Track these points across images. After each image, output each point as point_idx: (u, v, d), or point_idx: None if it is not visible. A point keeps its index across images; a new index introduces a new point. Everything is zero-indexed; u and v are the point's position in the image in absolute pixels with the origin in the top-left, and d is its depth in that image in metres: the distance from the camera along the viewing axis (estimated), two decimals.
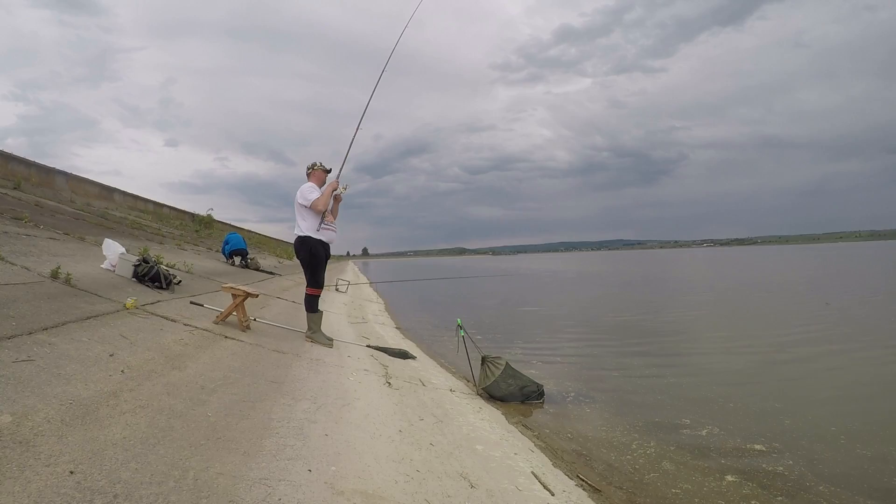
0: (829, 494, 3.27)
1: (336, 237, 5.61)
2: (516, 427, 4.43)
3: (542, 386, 5.42)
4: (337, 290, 15.06)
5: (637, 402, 5.33)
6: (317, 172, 5.58)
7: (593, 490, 3.31)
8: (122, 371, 3.04)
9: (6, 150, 13.58)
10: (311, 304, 5.57)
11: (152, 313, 4.82)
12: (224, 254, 13.95)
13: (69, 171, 16.00)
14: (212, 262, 12.45)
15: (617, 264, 55.53)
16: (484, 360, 5.42)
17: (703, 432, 4.37)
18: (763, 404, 5.05)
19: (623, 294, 19.46)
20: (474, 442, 3.62)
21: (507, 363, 5.33)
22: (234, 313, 5.33)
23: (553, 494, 2.98)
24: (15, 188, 11.60)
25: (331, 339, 5.76)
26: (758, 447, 4.01)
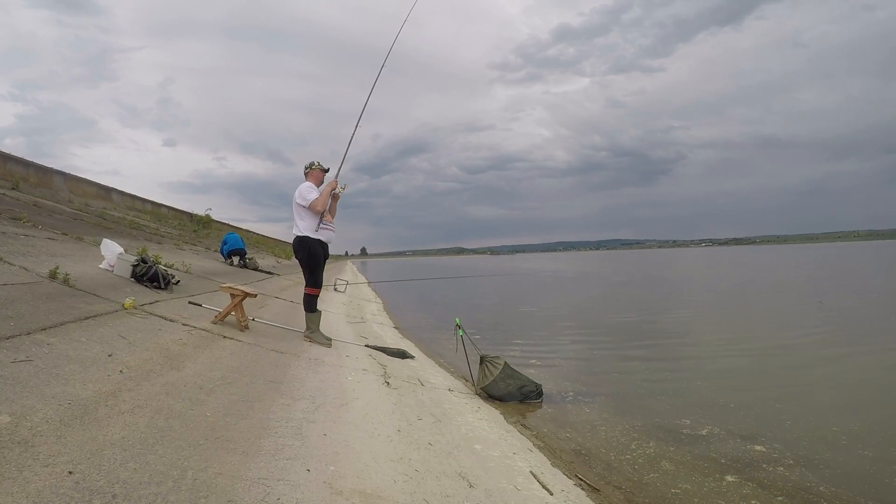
0: (830, 495, 3.26)
1: (335, 237, 5.61)
2: (515, 427, 4.44)
3: (541, 385, 5.42)
4: (335, 289, 15.06)
5: (636, 402, 5.32)
6: (315, 172, 5.58)
7: (592, 489, 3.31)
8: (120, 371, 3.04)
9: (4, 150, 13.56)
10: (310, 303, 5.57)
11: (151, 313, 4.81)
12: (222, 253, 13.94)
13: (67, 171, 15.98)
14: (210, 262, 12.43)
15: (615, 264, 55.56)
16: (482, 359, 5.43)
17: (703, 432, 4.36)
18: (763, 405, 5.03)
19: (622, 294, 19.47)
20: (473, 441, 3.62)
21: (505, 363, 5.34)
22: (233, 313, 5.33)
23: (552, 494, 2.99)
24: (13, 188, 11.58)
25: (329, 339, 5.76)
26: (758, 448, 4.00)
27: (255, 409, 3.08)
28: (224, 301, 5.63)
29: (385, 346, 6.86)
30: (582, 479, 3.43)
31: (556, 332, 10.19)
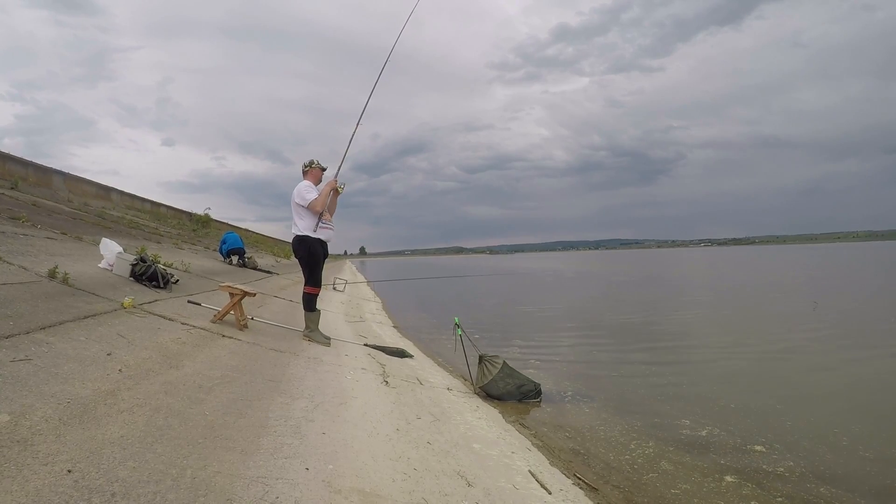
0: (831, 496, 3.25)
1: (334, 235, 5.61)
2: (513, 426, 4.44)
3: (540, 385, 5.43)
4: (334, 288, 15.06)
5: (636, 401, 5.32)
6: (314, 171, 5.57)
7: (590, 489, 3.32)
8: (119, 370, 3.04)
9: (3, 150, 13.56)
10: (310, 302, 5.58)
11: (150, 312, 4.82)
12: (221, 253, 13.94)
13: (66, 171, 15.98)
14: (209, 262, 12.44)
15: (615, 264, 55.58)
16: (481, 358, 5.43)
17: (703, 433, 4.36)
18: (764, 405, 5.02)
19: (621, 294, 19.48)
20: (471, 440, 3.63)
21: (504, 362, 5.35)
22: (232, 312, 5.33)
23: (550, 493, 3.00)
24: (12, 188, 11.58)
25: (328, 338, 5.76)
26: (758, 448, 3.99)
27: (254, 408, 3.09)
28: (223, 300, 5.63)
29: (384, 345, 6.86)
30: (580, 479, 3.44)
31: (556, 331, 10.20)
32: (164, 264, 7.22)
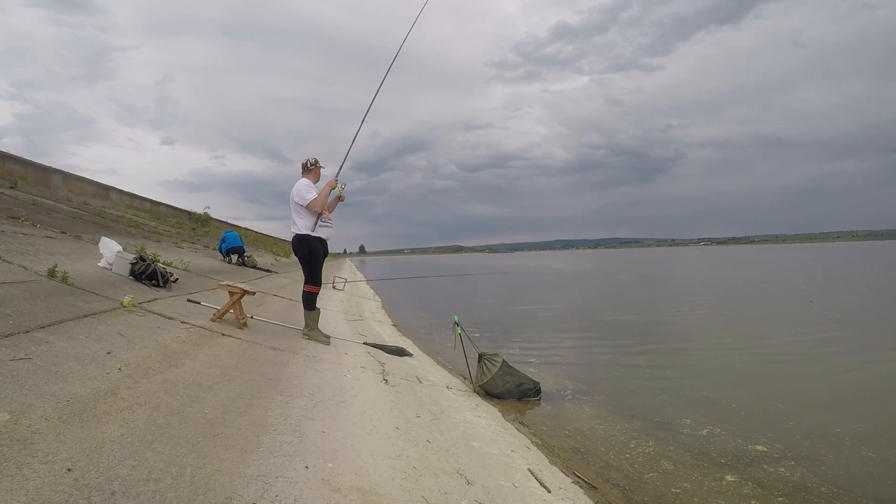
0: (832, 496, 3.23)
1: (333, 233, 5.61)
2: (513, 424, 4.45)
3: (539, 384, 5.43)
4: (334, 287, 15.07)
5: (636, 401, 5.31)
6: (314, 170, 5.57)
7: (590, 487, 3.32)
8: (119, 369, 3.04)
9: (2, 149, 13.56)
10: (310, 301, 5.58)
11: (149, 311, 4.82)
12: (221, 252, 13.94)
13: (66, 170, 15.98)
14: (209, 260, 12.43)
15: (614, 263, 55.58)
16: (481, 357, 5.43)
17: (704, 432, 4.34)
18: (765, 405, 5.00)
19: (621, 293, 19.48)
20: (471, 439, 3.63)
21: (503, 361, 5.35)
22: (231, 311, 5.33)
23: (549, 491, 3.00)
24: (11, 187, 11.57)
25: (328, 337, 5.76)
26: (759, 448, 3.97)
27: (254, 407, 3.09)
28: (222, 299, 5.63)
29: (383, 343, 6.86)
30: (580, 477, 3.44)
31: (555, 330, 10.20)
32: (163, 263, 7.22)
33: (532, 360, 7.17)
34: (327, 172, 5.65)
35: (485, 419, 4.33)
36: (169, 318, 4.80)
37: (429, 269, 48.62)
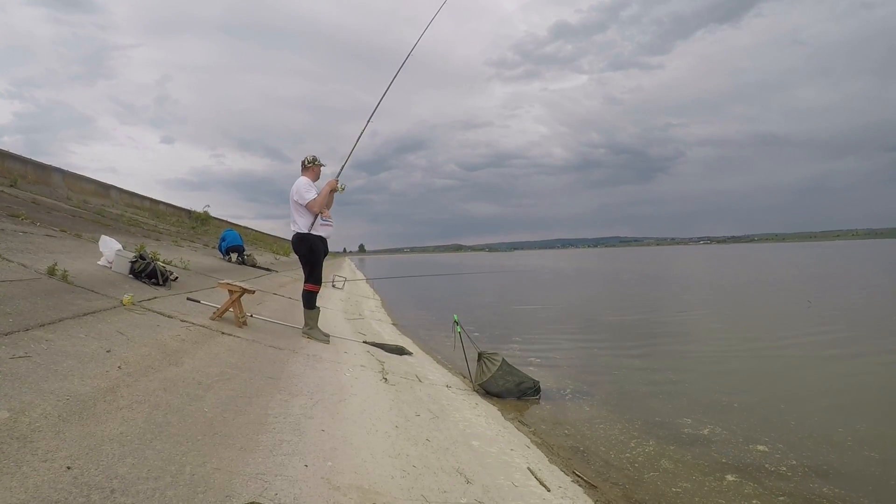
0: (834, 496, 3.21)
1: (333, 232, 5.61)
2: (512, 423, 4.45)
3: (539, 382, 5.43)
4: (333, 286, 15.07)
5: (637, 400, 5.30)
6: (314, 168, 5.56)
7: (589, 486, 3.32)
8: (118, 367, 3.04)
9: (3, 147, 13.56)
10: (310, 300, 5.58)
11: (149, 310, 4.82)
12: (220, 250, 13.94)
13: (65, 169, 15.98)
14: (208, 259, 12.44)
15: (614, 262, 55.57)
16: (480, 356, 5.43)
17: (705, 432, 4.33)
18: (767, 404, 4.98)
19: (621, 292, 19.46)
20: (470, 438, 3.63)
21: (503, 359, 5.35)
22: (231, 309, 5.33)
23: (549, 490, 3.00)
24: (11, 185, 11.57)
25: (327, 336, 5.76)
26: (760, 447, 3.95)
27: (253, 405, 3.09)
28: (222, 298, 5.63)
29: (383, 342, 6.87)
30: (579, 476, 3.44)
31: (555, 329, 10.20)
32: (163, 262, 7.22)
33: (532, 359, 7.17)
34: (329, 171, 5.65)
35: (484, 418, 4.33)
36: (169, 316, 4.80)
37: (428, 268, 48.61)
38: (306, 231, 5.34)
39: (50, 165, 15.16)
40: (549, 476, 3.26)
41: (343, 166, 5.66)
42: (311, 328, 5.66)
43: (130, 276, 6.05)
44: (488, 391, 5.26)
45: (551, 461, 3.64)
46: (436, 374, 5.84)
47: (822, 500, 3.18)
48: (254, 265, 14.10)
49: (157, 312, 4.81)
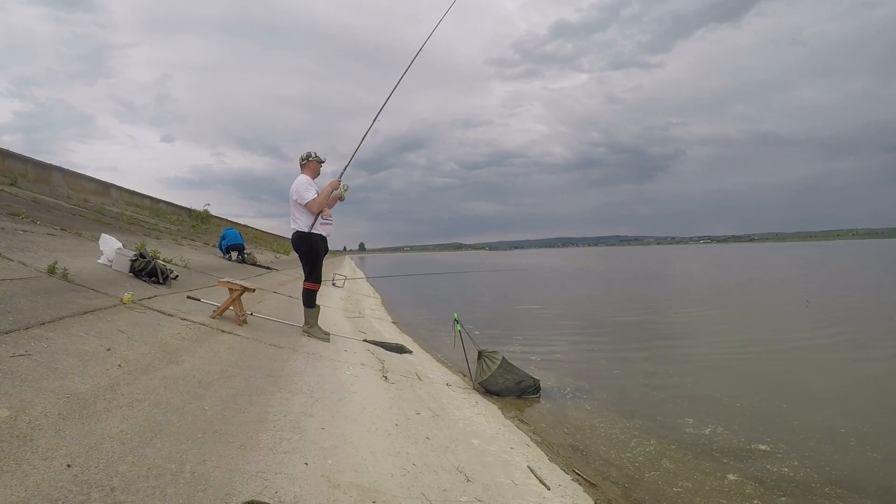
0: (836, 496, 3.19)
1: (334, 230, 5.61)
2: (512, 422, 4.45)
3: (539, 381, 5.43)
4: (334, 284, 15.08)
5: (637, 399, 5.29)
6: (312, 164, 5.53)
7: (589, 485, 3.32)
8: (119, 365, 3.04)
9: (3, 146, 13.56)
10: (309, 298, 5.58)
11: (149, 308, 4.82)
12: (221, 249, 13.94)
13: (66, 168, 15.99)
14: (208, 258, 12.44)
15: (614, 261, 55.55)
16: (480, 354, 5.44)
17: (706, 431, 4.31)
18: (769, 404, 4.96)
19: (622, 291, 19.42)
20: (470, 436, 3.64)
21: (503, 358, 5.35)
22: (231, 308, 5.33)
23: (549, 489, 3.00)
24: (12, 184, 11.57)
25: (327, 334, 5.76)
26: (762, 447, 3.94)
27: (254, 403, 3.09)
28: (222, 296, 5.63)
29: (383, 340, 6.87)
30: (579, 475, 3.44)
31: (556, 328, 10.20)
32: (163, 260, 7.22)
33: (532, 357, 7.17)
34: (330, 169, 5.64)
35: (484, 416, 4.33)
36: (169, 314, 4.80)
37: (429, 267, 48.60)
38: (306, 229, 5.34)
39: (50, 164, 15.17)
40: (549, 474, 3.26)
41: (346, 166, 5.65)
42: (312, 326, 5.66)
43: (131, 274, 6.05)
44: (488, 390, 5.26)
45: (551, 460, 3.64)
46: (436, 372, 5.84)
47: (823, 501, 3.17)
48: (254, 264, 14.10)
49: (158, 311, 4.81)
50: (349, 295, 14.12)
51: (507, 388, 5.23)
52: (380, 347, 6.34)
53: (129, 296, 4.78)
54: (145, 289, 5.67)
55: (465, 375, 5.95)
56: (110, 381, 2.77)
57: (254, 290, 5.87)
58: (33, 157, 14.44)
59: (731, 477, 3.48)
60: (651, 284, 22.07)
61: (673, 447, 4.01)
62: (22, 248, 5.66)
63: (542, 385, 5.44)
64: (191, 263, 9.04)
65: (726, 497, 3.23)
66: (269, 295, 8.72)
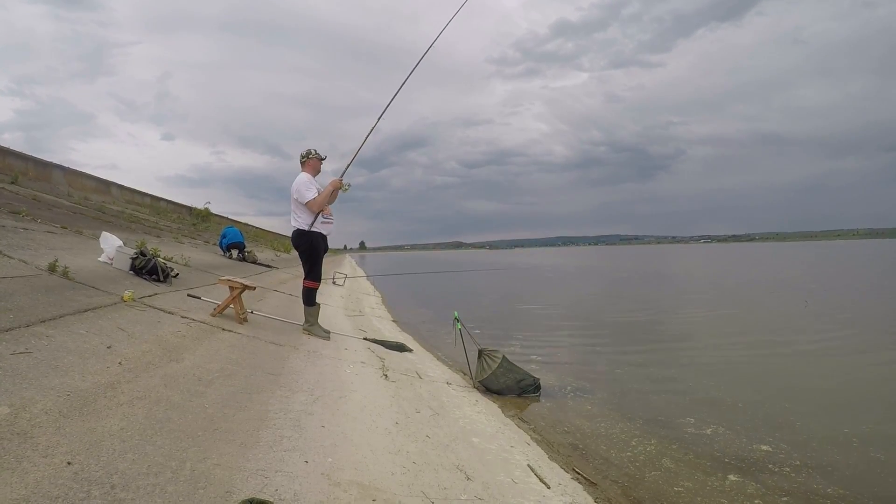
0: (838, 497, 3.18)
1: (334, 229, 5.60)
2: (512, 420, 4.45)
3: (539, 380, 5.43)
4: (334, 283, 15.08)
5: (638, 399, 5.28)
6: (312, 161, 5.53)
7: (589, 484, 3.32)
8: (119, 363, 3.05)
9: (3, 144, 13.55)
10: (309, 297, 5.57)
11: (150, 306, 4.82)
12: (221, 247, 13.94)
13: (66, 166, 15.98)
14: (209, 256, 12.44)
15: (615, 260, 55.51)
16: (481, 353, 5.44)
17: (708, 431, 4.30)
18: (772, 405, 4.94)
19: (623, 290, 19.40)
20: (470, 435, 3.64)
21: (503, 357, 5.35)
22: (232, 306, 5.33)
23: (549, 487, 3.00)
24: (12, 182, 11.57)
25: (328, 332, 5.76)
26: (764, 447, 3.92)
27: (254, 401, 3.09)
28: (223, 294, 5.63)
29: (383, 339, 6.87)
30: (579, 473, 3.44)
31: (556, 328, 10.20)
32: (163, 258, 7.22)
33: (533, 356, 7.17)
34: (331, 168, 5.64)
35: (484, 415, 4.33)
36: (169, 312, 4.80)
37: (429, 266, 48.56)
38: (307, 227, 5.33)
39: (51, 162, 15.16)
40: (549, 473, 3.26)
41: (348, 165, 5.64)
42: (312, 325, 5.66)
43: (131, 272, 6.05)
44: (488, 388, 5.26)
45: (551, 458, 3.64)
46: (436, 370, 5.84)
47: (825, 501, 3.15)
48: (254, 262, 14.10)
49: (158, 309, 4.81)
50: (349, 293, 14.12)
51: (508, 387, 5.23)
52: (380, 346, 6.34)
53: (130, 294, 4.78)
54: (146, 287, 5.67)
55: (465, 374, 5.95)
56: (111, 378, 2.77)
57: (254, 289, 5.87)
58: (34, 155, 14.44)
59: (732, 477, 3.47)
60: (651, 284, 22.06)
61: (674, 447, 4.00)
62: (23, 246, 5.66)
63: (542, 384, 5.44)
64: (191, 261, 9.04)
65: (727, 497, 3.22)
66: (269, 293, 8.72)
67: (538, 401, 5.19)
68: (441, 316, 11.02)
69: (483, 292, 19.83)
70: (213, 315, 5.21)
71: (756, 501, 3.16)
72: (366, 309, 11.36)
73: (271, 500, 1.95)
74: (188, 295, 5.77)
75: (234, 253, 13.75)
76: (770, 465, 3.64)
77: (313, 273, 5.48)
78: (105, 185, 18.04)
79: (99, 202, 15.02)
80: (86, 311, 3.95)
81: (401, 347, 6.57)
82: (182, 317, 4.77)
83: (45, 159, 14.89)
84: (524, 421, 4.54)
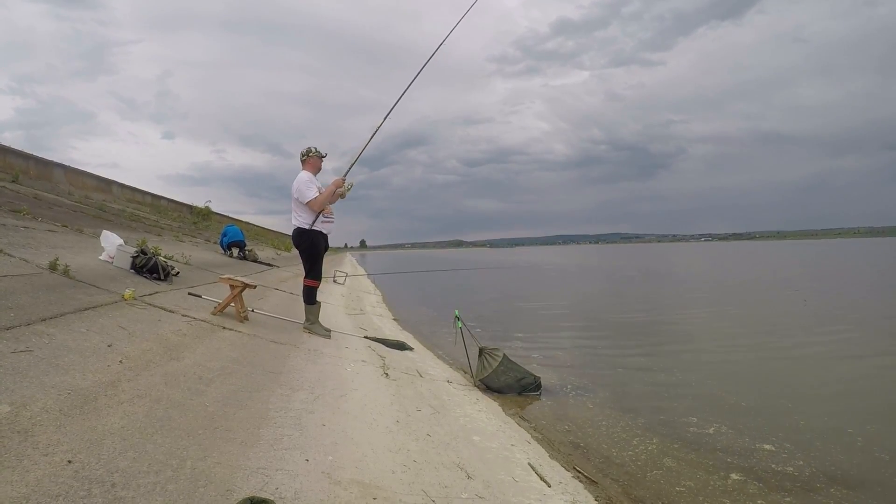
0: (841, 497, 3.17)
1: (335, 227, 5.60)
2: (513, 419, 4.45)
3: (540, 378, 5.43)
4: (335, 281, 15.08)
5: (640, 398, 5.27)
6: (312, 159, 5.52)
7: (590, 482, 3.32)
8: (120, 361, 3.04)
9: (4, 143, 13.55)
10: (310, 295, 5.57)
11: (150, 304, 4.82)
12: (222, 245, 13.94)
13: (67, 164, 15.97)
14: (210, 254, 12.44)
15: (615, 258, 55.47)
16: (481, 351, 5.43)
17: (710, 430, 4.29)
18: (775, 404, 4.93)
19: (624, 289, 19.40)
20: (471, 433, 3.64)
21: (504, 355, 5.34)
22: (232, 304, 5.33)
23: (549, 486, 3.00)
24: (13, 181, 11.57)
25: (328, 331, 5.76)
26: (767, 447, 3.91)
27: (254, 400, 3.09)
28: (223, 292, 5.63)
29: (384, 337, 6.87)
30: (580, 472, 3.44)
31: (557, 326, 10.19)
32: (164, 257, 7.22)
33: (534, 355, 7.17)
34: (332, 166, 5.63)
35: (485, 413, 4.33)
36: (170, 311, 4.80)
37: (430, 264, 48.57)
38: (307, 226, 5.33)
39: (51, 161, 15.15)
40: (549, 472, 3.26)
41: (352, 165, 5.63)
42: (312, 323, 5.66)
43: (132, 270, 6.05)
44: (489, 387, 5.26)
45: (552, 457, 3.64)
46: (437, 369, 5.85)
47: (828, 501, 3.14)
48: (255, 260, 14.09)
49: (159, 307, 4.81)
50: (350, 292, 14.12)
51: (508, 386, 5.23)
52: (380, 344, 6.34)
53: (131, 292, 4.78)
54: (146, 285, 5.67)
55: (465, 372, 5.95)
56: (111, 377, 2.77)
57: (255, 287, 5.86)
58: (35, 153, 14.44)
59: (734, 476, 3.47)
60: (652, 282, 22.05)
61: (676, 446, 3.99)
62: (23, 245, 5.66)
63: (543, 382, 5.44)
64: (192, 260, 9.04)
65: (729, 496, 3.21)
66: (270, 291, 8.72)
67: (539, 399, 5.19)
68: (442, 314, 11.02)
69: (484, 291, 19.83)
70: (214, 313, 5.21)
71: (758, 501, 3.15)
72: (366, 307, 11.36)
73: (272, 498, 1.95)
74: (189, 293, 5.77)
75: (235, 251, 13.75)
76: (773, 465, 3.63)
77: (314, 271, 5.48)
78: (106, 184, 18.04)
79: (100, 201, 15.03)
80: (86, 309, 3.95)
81: (401, 346, 6.57)
82: (183, 315, 4.77)
83: (45, 158, 14.89)
84: (525, 419, 4.54)
